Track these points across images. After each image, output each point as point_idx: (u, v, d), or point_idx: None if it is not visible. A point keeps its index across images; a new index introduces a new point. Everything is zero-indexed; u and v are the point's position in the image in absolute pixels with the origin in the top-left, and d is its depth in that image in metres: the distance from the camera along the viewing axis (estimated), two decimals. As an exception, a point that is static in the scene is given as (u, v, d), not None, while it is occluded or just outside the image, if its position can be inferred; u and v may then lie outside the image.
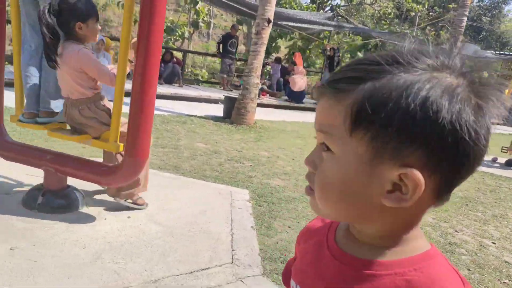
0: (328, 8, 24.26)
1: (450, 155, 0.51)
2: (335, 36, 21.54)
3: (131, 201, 2.91)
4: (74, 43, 2.58)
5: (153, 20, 2.36)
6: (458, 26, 10.87)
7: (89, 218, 2.77)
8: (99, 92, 2.73)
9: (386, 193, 0.53)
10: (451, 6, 33.29)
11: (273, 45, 21.98)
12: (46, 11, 2.41)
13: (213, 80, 16.11)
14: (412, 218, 0.58)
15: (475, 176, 5.71)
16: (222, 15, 27.28)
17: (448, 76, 0.51)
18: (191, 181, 3.85)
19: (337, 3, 24.43)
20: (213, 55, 15.02)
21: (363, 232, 0.61)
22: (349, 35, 24.74)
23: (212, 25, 25.27)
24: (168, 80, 11.26)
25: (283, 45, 23.97)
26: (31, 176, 3.19)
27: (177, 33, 20.54)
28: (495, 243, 3.46)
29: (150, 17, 2.35)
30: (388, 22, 28.33)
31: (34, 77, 2.82)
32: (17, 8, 2.68)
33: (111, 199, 2.95)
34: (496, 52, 24.37)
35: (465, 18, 10.88)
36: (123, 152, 2.62)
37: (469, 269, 2.88)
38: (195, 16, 22.77)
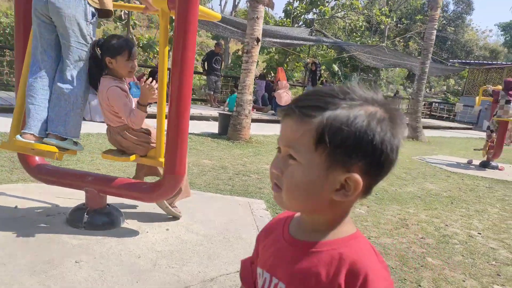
0: (301, 22, 25.01)
1: (377, 164, 0.73)
2: (309, 49, 22.25)
3: (171, 207, 3.30)
4: (109, 78, 2.88)
5: (186, 48, 2.70)
6: (428, 39, 11.65)
7: (133, 232, 3.12)
8: None
9: (335, 191, 0.75)
10: (418, 17, 34.79)
11: None
12: (95, 44, 2.79)
13: (194, 96, 16.45)
14: (347, 209, 0.80)
15: (455, 178, 6.33)
16: (198, 31, 27.70)
17: (378, 109, 0.73)
18: (210, 195, 4.25)
19: (311, 17, 25.14)
20: (199, 73, 15.43)
21: (312, 221, 0.82)
22: (322, 47, 25.58)
23: None
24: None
25: (261, 60, 24.52)
26: (62, 198, 3.56)
27: (154, 50, 20.84)
28: (480, 234, 3.99)
29: (183, 46, 2.71)
30: (359, 34, 29.34)
31: (39, 99, 2.73)
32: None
33: (143, 215, 3.33)
34: (462, 61, 25.66)
35: (435, 31, 11.68)
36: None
37: (462, 255, 3.38)
38: (171, 33, 23.12)
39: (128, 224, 3.27)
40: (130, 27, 21.64)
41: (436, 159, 8.41)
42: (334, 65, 24.70)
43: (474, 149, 8.53)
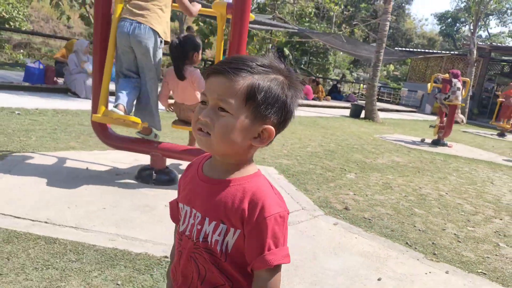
0: (255, 6, 25.53)
1: (284, 118, 0.98)
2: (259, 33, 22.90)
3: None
4: (191, 67, 3.75)
5: (241, 43, 3.46)
6: (383, 30, 12.78)
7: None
8: None
9: (253, 138, 0.96)
10: (362, 5, 36.50)
11: (206, 41, 22.89)
12: (175, 44, 3.49)
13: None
14: (252, 154, 1.01)
15: (415, 153, 7.40)
16: None
17: (285, 78, 0.97)
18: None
19: (263, 1, 25.76)
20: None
21: (224, 163, 1.00)
22: (272, 32, 26.34)
23: None
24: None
25: (214, 42, 24.78)
26: (118, 162, 4.13)
27: None
28: (447, 194, 5.00)
29: (238, 42, 3.45)
30: (307, 20, 30.39)
31: (126, 93, 3.54)
32: (114, 38, 3.47)
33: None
34: (401, 49, 27.52)
35: (388, 23, 12.82)
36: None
37: (438, 208, 4.35)
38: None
39: (171, 185, 3.90)
40: (87, 6, 21.35)
41: (394, 137, 9.54)
42: (285, 49, 25.61)
43: (430, 126, 9.81)
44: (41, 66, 9.00)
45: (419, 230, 3.58)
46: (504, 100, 13.75)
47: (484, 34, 44.30)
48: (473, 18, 19.19)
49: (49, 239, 2.36)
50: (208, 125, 0.94)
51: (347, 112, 14.11)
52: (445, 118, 9.18)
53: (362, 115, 12.93)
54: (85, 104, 7.73)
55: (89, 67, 8.64)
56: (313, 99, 16.61)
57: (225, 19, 3.69)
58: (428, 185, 5.31)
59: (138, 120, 3.34)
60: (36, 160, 3.92)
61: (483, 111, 21.07)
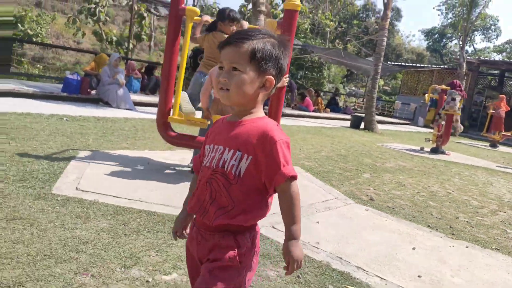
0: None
1: (279, 70, 1.33)
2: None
3: None
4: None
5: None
6: (380, 45, 13.53)
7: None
8: None
9: (259, 88, 1.31)
10: (355, 22, 37.66)
11: None
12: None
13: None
14: (260, 102, 1.35)
15: (417, 159, 8.02)
16: (162, 28, 28.15)
17: (276, 41, 1.33)
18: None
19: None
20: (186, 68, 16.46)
21: (240, 111, 1.34)
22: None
23: (153, 38, 26.23)
24: (153, 91, 12.42)
25: None
26: (170, 159, 4.66)
27: (124, 46, 21.57)
28: (454, 192, 5.60)
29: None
30: (303, 36, 31.35)
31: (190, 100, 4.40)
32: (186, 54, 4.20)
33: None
34: (393, 63, 28.50)
35: (385, 38, 13.58)
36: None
37: (449, 202, 4.93)
38: (139, 29, 23.75)
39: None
40: (101, 23, 22.18)
41: (395, 146, 10.18)
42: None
43: (426, 140, 10.48)
44: (78, 78, 9.60)
45: (436, 217, 4.16)
46: (494, 111, 14.55)
47: (470, 49, 45.85)
48: (461, 33, 20.14)
49: (149, 212, 2.90)
50: (226, 83, 1.28)
51: (346, 123, 14.77)
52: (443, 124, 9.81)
53: (362, 126, 13.58)
54: (118, 112, 8.41)
55: (121, 77, 9.33)
56: (314, 110, 17.26)
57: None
58: (436, 184, 5.91)
59: (204, 120, 3.91)
60: (103, 157, 4.53)
61: (473, 124, 21.93)
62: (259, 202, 1.30)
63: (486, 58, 29.03)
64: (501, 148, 14.77)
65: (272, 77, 1.31)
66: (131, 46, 21.95)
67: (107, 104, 9.47)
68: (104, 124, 6.72)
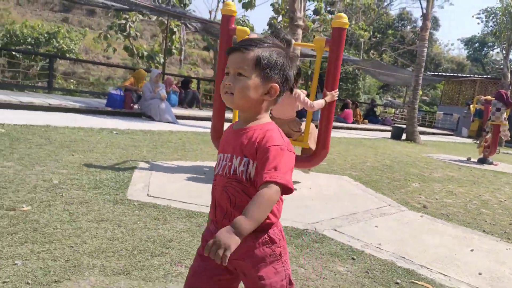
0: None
1: (284, 79, 1.38)
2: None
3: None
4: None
5: (336, 70, 4.33)
6: (420, 56, 13.59)
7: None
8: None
9: (264, 94, 1.36)
10: (390, 32, 37.52)
11: None
12: None
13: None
14: (265, 108, 1.40)
15: (465, 169, 8.05)
16: (191, 42, 28.99)
17: (281, 50, 1.39)
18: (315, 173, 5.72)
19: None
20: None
21: (245, 117, 1.40)
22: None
23: (183, 52, 27.07)
24: (190, 104, 12.93)
25: None
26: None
27: (155, 60, 22.30)
28: (505, 200, 5.66)
29: (334, 69, 4.32)
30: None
31: None
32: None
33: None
34: (430, 73, 28.21)
35: (425, 49, 13.63)
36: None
37: (501, 210, 5.02)
38: (169, 44, 24.46)
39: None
40: (131, 38, 23.01)
41: (440, 157, 10.19)
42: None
43: (476, 143, 10.44)
44: (122, 93, 10.18)
45: (490, 224, 4.28)
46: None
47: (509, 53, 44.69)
48: (504, 42, 19.83)
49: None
50: (231, 87, 1.34)
51: (386, 134, 14.81)
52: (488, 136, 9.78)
53: (403, 137, 13.60)
54: (162, 126, 8.90)
55: (162, 92, 9.89)
56: (352, 122, 17.37)
57: (323, 51, 4.54)
58: (486, 193, 5.98)
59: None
60: (161, 167, 4.90)
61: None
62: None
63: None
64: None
65: (276, 85, 1.36)
66: (160, 60, 22.61)
67: (150, 118, 9.98)
68: (152, 137, 7.14)
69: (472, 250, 3.28)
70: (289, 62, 1.38)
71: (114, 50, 22.76)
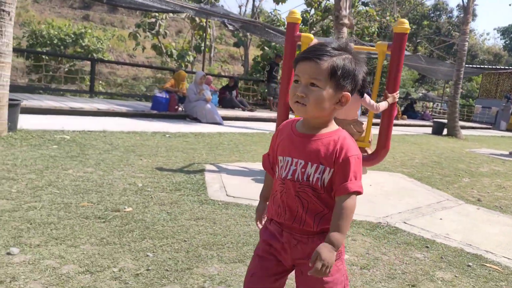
0: (318, 28, 26.95)
1: (355, 86, 1.42)
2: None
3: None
4: None
5: (398, 72, 4.78)
6: (462, 50, 13.75)
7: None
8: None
9: (336, 103, 1.40)
10: (425, 23, 37.21)
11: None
12: None
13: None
14: (333, 115, 1.45)
15: (509, 163, 8.34)
16: (221, 39, 29.32)
17: (351, 56, 1.40)
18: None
19: (326, 25, 27.08)
20: (261, 81, 17.56)
21: (314, 122, 1.43)
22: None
23: (213, 49, 27.38)
24: (236, 104, 13.50)
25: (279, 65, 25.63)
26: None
27: (185, 59, 22.57)
28: (554, 193, 6.00)
29: (396, 71, 4.77)
30: (369, 39, 31.50)
31: None
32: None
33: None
34: (467, 66, 27.97)
35: (467, 43, 13.78)
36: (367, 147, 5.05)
37: (551, 203, 5.38)
38: (199, 41, 24.66)
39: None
40: (161, 36, 23.24)
41: (483, 151, 10.46)
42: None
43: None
44: (167, 96, 10.74)
45: (542, 215, 4.68)
46: None
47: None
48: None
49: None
50: (303, 99, 1.36)
51: (426, 129, 15.05)
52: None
53: (444, 132, 13.84)
54: (209, 128, 9.42)
55: (207, 93, 10.37)
56: (391, 118, 17.61)
57: (385, 54, 4.99)
58: (533, 187, 6.33)
59: None
60: (227, 168, 5.41)
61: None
62: None
63: None
64: None
65: (348, 94, 1.41)
66: (191, 58, 22.66)
67: (196, 119, 10.39)
68: (204, 139, 7.61)
69: (530, 239, 3.72)
70: (359, 68, 1.41)
71: (143, 48, 22.92)
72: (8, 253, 2.47)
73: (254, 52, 30.70)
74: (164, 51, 23.46)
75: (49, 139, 5.90)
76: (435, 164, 7.51)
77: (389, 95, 4.84)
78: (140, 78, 24.44)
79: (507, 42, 45.78)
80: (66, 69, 17.66)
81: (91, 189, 3.87)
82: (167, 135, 7.62)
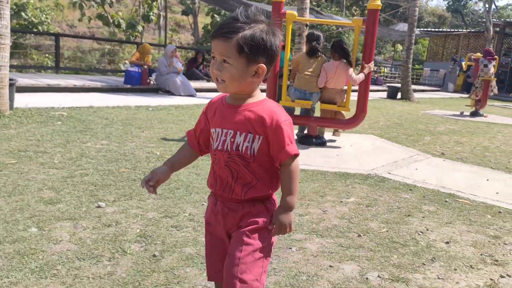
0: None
1: (271, 57, 1.47)
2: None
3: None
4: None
5: (372, 47, 5.66)
6: (412, 15, 14.92)
7: (335, 145, 6.01)
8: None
9: (252, 76, 1.45)
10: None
11: None
12: (345, 48, 5.67)
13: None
14: (256, 85, 1.51)
15: (461, 122, 9.63)
16: (171, 7, 28.98)
17: (264, 26, 1.44)
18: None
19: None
20: None
21: (240, 94, 1.50)
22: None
23: (161, 18, 27.14)
24: (200, 77, 14.01)
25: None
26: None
27: (136, 29, 22.41)
28: (501, 146, 7.21)
29: (370, 46, 5.65)
30: (316, 4, 32.35)
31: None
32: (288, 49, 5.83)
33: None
34: (420, 30, 29.68)
35: (417, 9, 14.97)
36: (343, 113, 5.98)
37: (499, 152, 6.54)
38: (147, 10, 24.38)
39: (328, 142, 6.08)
40: (107, 5, 22.79)
41: (436, 112, 11.75)
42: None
43: (466, 105, 12.07)
44: (139, 70, 11.13)
45: (494, 163, 5.79)
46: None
47: (491, 7, 46.55)
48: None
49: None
50: (219, 75, 1.45)
51: (381, 94, 16.31)
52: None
53: (398, 96, 15.12)
54: (185, 100, 10.00)
55: (178, 64, 10.87)
56: (346, 84, 18.80)
57: (360, 29, 5.83)
58: (485, 141, 7.54)
59: (310, 102, 5.59)
60: None
61: (500, 86, 23.23)
62: (275, 173, 1.56)
63: (511, 20, 29.98)
64: (532, 107, 16.24)
65: (263, 65, 1.45)
66: (140, 28, 22.14)
67: (168, 92, 10.90)
68: (187, 111, 8.21)
69: (488, 180, 4.77)
70: (272, 38, 1.45)
71: (89, 19, 22.40)
72: (98, 206, 3.15)
73: (203, 20, 30.77)
74: (111, 21, 23.12)
75: (49, 116, 6.36)
76: (398, 126, 8.58)
77: (366, 65, 5.71)
78: (85, 51, 23.98)
79: (449, 3, 48.31)
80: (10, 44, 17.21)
81: (119, 158, 4.48)
82: (150, 109, 8.14)
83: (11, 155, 4.28)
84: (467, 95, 14.03)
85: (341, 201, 3.75)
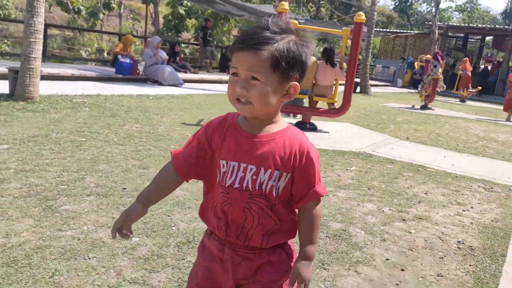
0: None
1: (303, 72, 1.23)
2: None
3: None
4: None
5: (356, 51, 7.04)
6: (371, 18, 16.54)
7: (324, 130, 7.34)
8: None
9: (283, 96, 1.23)
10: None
11: (182, 24, 24.51)
12: (331, 51, 6.98)
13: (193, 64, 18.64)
14: (280, 108, 1.27)
15: (415, 114, 11.31)
16: None
17: (295, 37, 1.21)
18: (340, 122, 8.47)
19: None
20: (197, 44, 18.92)
21: (261, 120, 1.26)
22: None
23: (122, 6, 26.99)
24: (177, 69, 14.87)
25: (190, 24, 25.64)
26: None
27: (98, 18, 22.36)
28: (449, 133, 8.83)
29: (355, 49, 7.03)
30: (269, 2, 33.47)
31: None
32: None
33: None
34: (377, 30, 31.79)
35: (375, 13, 16.61)
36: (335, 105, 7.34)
37: (449, 138, 8.13)
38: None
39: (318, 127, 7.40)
40: None
41: (392, 105, 13.41)
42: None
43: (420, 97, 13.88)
44: (131, 61, 11.92)
45: (446, 145, 7.32)
46: (462, 72, 18.07)
47: (433, 9, 49.93)
48: (433, 2, 23.43)
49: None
50: (245, 95, 1.19)
51: (341, 88, 17.89)
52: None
53: (357, 90, 16.74)
54: (176, 90, 10.83)
55: (163, 54, 11.80)
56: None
57: (348, 37, 7.18)
58: (436, 129, 9.15)
59: (306, 96, 6.95)
60: None
61: (442, 82, 25.69)
62: (294, 212, 1.35)
63: (453, 24, 32.61)
64: (469, 102, 18.42)
65: (297, 83, 1.24)
66: (101, 16, 22.09)
67: (156, 82, 11.58)
68: (185, 100, 8.99)
69: (444, 156, 6.28)
70: (305, 50, 1.23)
71: (50, 5, 21.90)
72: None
73: (166, 10, 30.95)
74: (71, 7, 22.67)
75: (74, 102, 7.09)
76: (366, 116, 10.07)
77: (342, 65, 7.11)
78: (49, 36, 23.61)
79: (396, 4, 51.19)
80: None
81: (161, 139, 5.43)
82: (151, 98, 8.91)
83: (76, 133, 5.09)
84: (414, 90, 15.84)
85: (347, 169, 5.07)
